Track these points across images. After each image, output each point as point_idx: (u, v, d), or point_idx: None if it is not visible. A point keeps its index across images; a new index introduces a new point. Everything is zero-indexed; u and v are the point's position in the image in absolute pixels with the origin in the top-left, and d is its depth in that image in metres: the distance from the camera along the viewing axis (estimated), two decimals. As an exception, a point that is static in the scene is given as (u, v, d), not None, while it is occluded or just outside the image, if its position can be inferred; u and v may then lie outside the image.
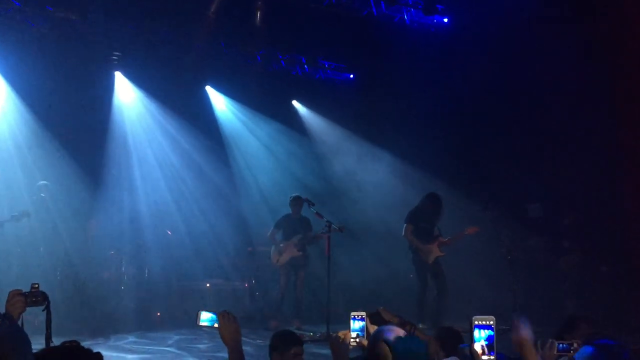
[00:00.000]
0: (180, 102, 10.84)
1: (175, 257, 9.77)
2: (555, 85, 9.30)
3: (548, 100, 9.48)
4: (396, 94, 10.96)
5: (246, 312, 9.37)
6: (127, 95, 10.62)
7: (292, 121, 11.91)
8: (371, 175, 11.20)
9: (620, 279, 8.52)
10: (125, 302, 8.89)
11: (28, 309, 2.79)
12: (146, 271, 9.40)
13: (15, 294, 2.64)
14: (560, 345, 2.95)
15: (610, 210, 8.98)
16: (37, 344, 2.49)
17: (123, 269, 9.20)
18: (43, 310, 2.82)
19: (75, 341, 2.47)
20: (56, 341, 2.72)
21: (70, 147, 9.46)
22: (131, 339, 7.64)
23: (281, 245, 8.70)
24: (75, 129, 9.54)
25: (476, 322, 2.52)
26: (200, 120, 11.15)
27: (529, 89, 9.63)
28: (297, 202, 8.68)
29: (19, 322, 2.62)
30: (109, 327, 8.01)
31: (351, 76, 11.75)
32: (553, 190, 9.57)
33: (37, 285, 2.80)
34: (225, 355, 6.66)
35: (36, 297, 2.77)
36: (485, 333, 2.49)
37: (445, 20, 10.12)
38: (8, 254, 7.64)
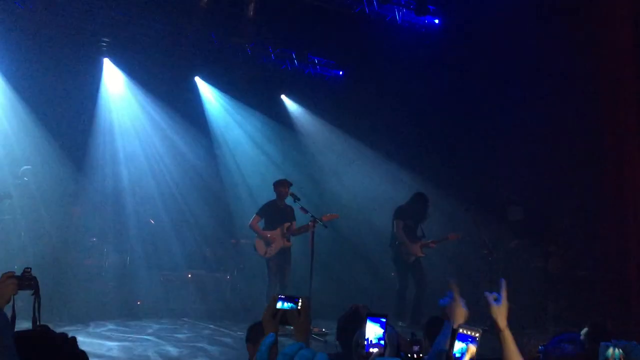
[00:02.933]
0: (168, 91, 10.80)
1: (158, 246, 9.76)
2: (540, 88, 9.41)
3: (533, 103, 9.58)
4: (384, 92, 11.01)
5: (228, 304, 9.43)
6: (114, 82, 10.55)
7: (280, 115, 11.92)
8: (356, 172, 11.27)
9: (600, 282, 8.68)
10: (106, 289, 8.88)
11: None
12: (128, 259, 9.39)
13: (8, 276, 2.67)
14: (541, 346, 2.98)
15: (591, 213, 9.12)
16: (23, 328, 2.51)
17: (104, 256, 9.19)
18: (32, 295, 2.86)
19: (45, 326, 2.50)
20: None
21: (56, 132, 9.38)
22: (110, 326, 7.65)
23: (268, 235, 8.13)
24: (62, 115, 9.46)
25: (461, 331, 2.45)
26: (188, 111, 11.12)
27: (515, 91, 9.72)
28: (284, 185, 8.18)
29: (10, 304, 2.66)
30: (89, 314, 8.01)
31: (340, 73, 11.78)
32: (535, 193, 9.69)
33: (29, 269, 2.84)
34: (204, 345, 6.71)
35: (29, 280, 2.81)
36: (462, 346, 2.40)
37: (437, 21, 10.18)
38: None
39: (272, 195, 8.47)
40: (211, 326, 8.08)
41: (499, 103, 9.69)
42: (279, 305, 2.32)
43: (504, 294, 2.60)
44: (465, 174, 10.21)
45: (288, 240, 8.16)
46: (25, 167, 8.44)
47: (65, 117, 9.52)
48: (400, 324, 8.16)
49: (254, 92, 11.44)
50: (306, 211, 7.76)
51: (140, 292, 9.16)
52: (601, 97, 8.84)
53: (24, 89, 9.27)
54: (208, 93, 11.55)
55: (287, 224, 8.15)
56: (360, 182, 11.09)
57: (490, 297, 2.60)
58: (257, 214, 8.35)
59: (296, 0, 9.46)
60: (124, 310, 8.63)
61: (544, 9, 9.17)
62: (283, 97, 12.04)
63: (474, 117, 10.14)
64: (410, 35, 10.21)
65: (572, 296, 8.78)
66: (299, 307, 2.30)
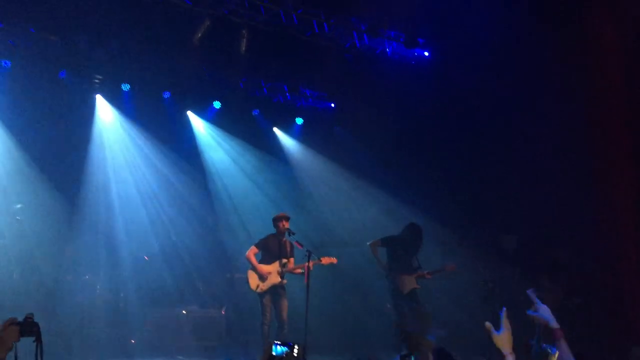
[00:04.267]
0: (161, 126, 10.84)
1: (152, 282, 9.67)
2: (534, 118, 9.52)
3: (525, 133, 9.67)
4: (376, 123, 11.11)
5: (223, 341, 9.31)
6: (107, 118, 10.56)
7: (273, 148, 11.97)
8: (350, 205, 11.28)
9: (596, 309, 8.66)
10: (99, 328, 8.76)
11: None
12: (121, 296, 9.29)
13: (10, 323, 2.67)
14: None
15: (586, 240, 9.15)
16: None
17: (97, 293, 9.09)
18: (34, 341, 2.84)
19: None
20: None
21: (48, 171, 9.37)
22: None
23: (264, 269, 7.94)
24: (55, 153, 9.46)
25: None
26: (181, 145, 11.15)
27: (506, 122, 9.83)
28: (282, 219, 7.99)
29: (13, 352, 2.65)
30: (84, 354, 7.88)
31: (332, 105, 11.88)
32: (529, 223, 9.73)
33: (31, 315, 2.83)
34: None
35: (31, 327, 2.81)
36: None
37: (426, 53, 10.32)
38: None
39: (266, 230, 8.41)
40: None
41: (490, 134, 9.79)
42: (274, 350, 2.30)
43: (504, 322, 2.66)
44: (460, 204, 10.24)
45: (282, 277, 7.95)
46: (18, 205, 8.39)
47: (58, 155, 9.50)
48: (397, 357, 8.06)
49: (246, 125, 11.49)
50: (302, 245, 7.71)
51: (133, 330, 9.04)
52: (598, 127, 8.95)
53: (16, 129, 9.28)
54: (200, 127, 11.59)
55: (284, 260, 7.99)
56: (355, 214, 11.09)
57: (490, 326, 2.66)
58: (255, 245, 8.20)
59: (287, 35, 9.57)
60: (118, 350, 8.49)
61: (535, 37, 9.33)
62: (275, 129, 12.09)
63: (466, 148, 10.23)
64: (401, 67, 10.34)
65: (570, 324, 8.74)
66: (294, 354, 2.28)
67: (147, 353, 8.48)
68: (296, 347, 2.33)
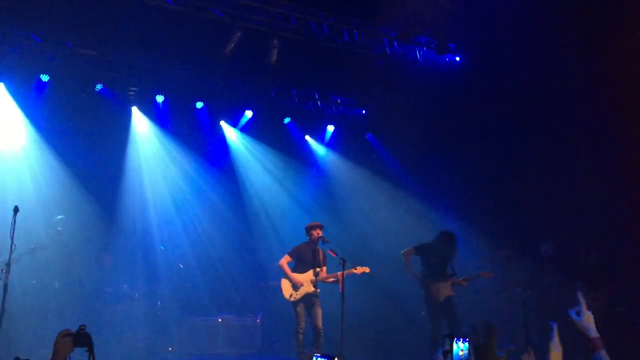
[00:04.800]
0: (194, 136, 11.02)
1: (188, 291, 9.81)
2: (567, 122, 9.36)
3: (559, 137, 9.52)
4: (407, 129, 11.07)
5: (258, 349, 9.38)
6: (142, 129, 10.77)
7: (305, 156, 12.02)
8: (385, 213, 11.25)
9: (638, 319, 8.43)
10: (138, 337, 8.92)
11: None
12: (158, 304, 9.44)
13: (64, 334, 2.77)
14: None
15: (625, 246, 8.94)
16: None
17: (135, 302, 9.26)
18: (86, 352, 2.93)
19: None
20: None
21: (88, 183, 9.62)
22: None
23: (297, 278, 7.98)
24: (92, 164, 9.70)
25: None
26: (214, 155, 11.31)
27: (543, 125, 9.69)
28: (316, 228, 8.04)
29: None
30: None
31: (363, 112, 11.89)
32: (566, 229, 9.56)
33: (84, 327, 2.93)
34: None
35: (84, 338, 2.91)
36: None
37: (458, 59, 10.24)
38: (24, 288, 7.69)
39: (299, 238, 8.43)
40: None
41: (525, 138, 9.66)
42: None
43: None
44: (496, 211, 10.13)
45: (315, 286, 7.95)
46: (59, 216, 8.60)
47: (96, 167, 9.76)
48: (434, 365, 7.99)
49: (278, 134, 11.58)
50: (335, 254, 7.71)
51: (170, 338, 9.18)
52: (630, 129, 8.75)
53: (55, 141, 9.54)
54: (233, 137, 11.71)
55: (317, 269, 7.98)
56: (390, 223, 11.04)
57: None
58: (288, 253, 8.23)
59: (318, 44, 9.62)
60: (156, 358, 8.64)
61: (568, 41, 9.17)
62: (307, 137, 12.14)
63: (500, 154, 10.11)
64: (432, 73, 10.28)
65: (611, 333, 8.52)
66: None
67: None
68: (337, 359, 2.34)
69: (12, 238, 6.19)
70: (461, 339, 2.97)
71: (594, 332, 2.63)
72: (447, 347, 2.85)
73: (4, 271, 6.22)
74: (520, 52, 9.22)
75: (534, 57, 9.23)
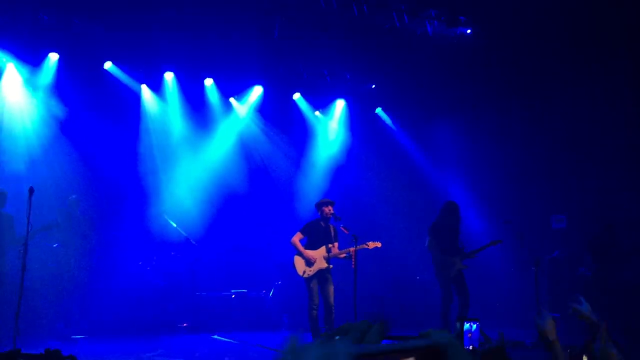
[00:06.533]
0: (203, 112, 11.05)
1: (201, 266, 9.93)
2: (579, 95, 9.30)
3: (570, 110, 9.46)
4: (416, 105, 11.03)
5: (270, 323, 9.53)
6: (152, 107, 10.76)
7: (314, 131, 12.02)
8: (393, 187, 11.28)
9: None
10: (152, 311, 9.09)
11: None
12: (172, 280, 9.57)
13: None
14: None
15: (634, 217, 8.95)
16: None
17: (149, 278, 9.41)
18: None
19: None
20: None
21: (97, 160, 9.68)
22: (160, 350, 7.79)
23: (309, 254, 7.93)
24: (103, 141, 9.77)
25: None
26: (224, 131, 11.33)
27: (551, 98, 9.63)
28: (327, 204, 7.98)
29: None
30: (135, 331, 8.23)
31: (373, 86, 11.82)
32: (577, 202, 9.57)
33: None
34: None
35: None
36: None
37: (468, 31, 10.12)
38: (41, 266, 7.82)
39: (310, 214, 8.50)
40: (257, 348, 8.12)
41: (537, 112, 9.61)
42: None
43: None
44: (506, 184, 10.13)
45: (328, 262, 7.92)
46: (73, 196, 8.68)
47: (108, 145, 9.80)
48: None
49: (288, 110, 11.60)
50: (347, 230, 7.72)
51: (184, 313, 9.35)
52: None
53: (67, 122, 9.58)
54: (242, 112, 11.61)
55: (330, 245, 7.97)
56: (399, 198, 11.07)
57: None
58: (299, 231, 8.18)
59: (326, 18, 9.51)
60: (170, 332, 8.83)
61: (579, 12, 9.04)
62: (317, 113, 12.07)
63: (513, 127, 10.07)
64: (442, 47, 10.17)
65: (620, 303, 8.59)
66: None
67: (197, 336, 8.77)
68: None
69: (28, 218, 6.25)
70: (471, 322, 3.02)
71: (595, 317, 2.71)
72: (458, 331, 2.91)
73: (21, 251, 6.30)
74: (532, 23, 9.10)
75: (545, 27, 9.11)
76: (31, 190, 6.26)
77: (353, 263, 7.63)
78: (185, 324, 9.26)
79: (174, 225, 9.71)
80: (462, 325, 2.88)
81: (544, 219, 9.92)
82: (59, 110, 9.49)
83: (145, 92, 10.62)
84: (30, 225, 6.32)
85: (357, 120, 11.82)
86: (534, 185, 9.97)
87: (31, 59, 9.38)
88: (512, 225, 8.45)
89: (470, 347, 2.81)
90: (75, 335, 8.13)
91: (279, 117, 11.65)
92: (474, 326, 2.77)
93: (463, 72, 10.28)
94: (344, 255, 7.92)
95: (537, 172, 9.97)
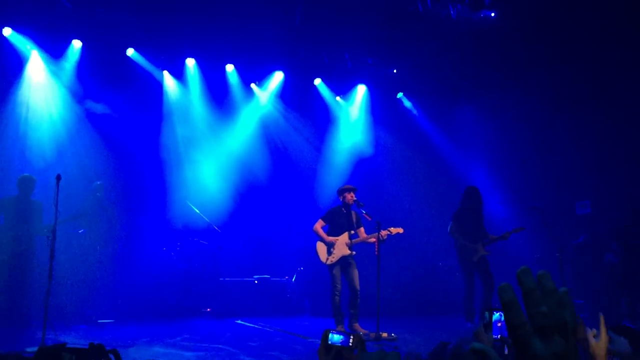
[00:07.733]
0: (225, 98, 11.08)
1: (225, 253, 10.01)
2: (606, 77, 9.11)
3: (600, 92, 9.28)
4: (438, 90, 10.90)
5: (293, 310, 9.59)
6: (174, 93, 10.81)
7: (335, 117, 11.97)
8: (415, 172, 11.22)
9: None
10: (176, 297, 9.20)
11: None
12: (196, 266, 9.68)
13: None
14: None
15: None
16: None
17: (173, 264, 9.51)
18: None
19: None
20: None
21: (123, 145, 9.76)
22: (185, 335, 7.89)
23: (332, 241, 7.87)
24: (127, 128, 9.83)
25: None
26: (245, 118, 11.33)
27: (579, 82, 9.45)
28: (349, 191, 7.91)
29: None
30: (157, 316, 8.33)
31: (395, 71, 11.71)
32: (602, 188, 9.43)
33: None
34: (276, 353, 6.86)
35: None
36: None
37: (493, 14, 9.95)
38: (69, 253, 7.95)
39: (331, 200, 8.51)
40: (281, 333, 8.19)
41: (562, 96, 9.45)
42: (331, 339, 2.32)
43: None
44: (532, 172, 10.02)
45: (350, 248, 7.84)
46: (97, 182, 8.77)
47: (129, 130, 9.87)
48: (469, 325, 8.09)
49: (307, 97, 11.55)
50: (370, 217, 7.70)
51: (208, 298, 9.45)
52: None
53: (93, 115, 9.69)
54: (264, 98, 11.64)
55: (352, 232, 7.92)
56: (421, 183, 11.02)
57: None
58: (321, 218, 8.14)
59: (348, 2, 9.41)
60: (194, 317, 8.92)
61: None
62: (338, 98, 12.04)
63: (537, 112, 9.92)
64: (466, 30, 10.02)
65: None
66: (350, 344, 2.29)
67: (221, 321, 8.86)
68: (352, 337, 2.36)
69: (56, 206, 6.32)
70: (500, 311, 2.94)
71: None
72: (487, 321, 2.82)
73: (50, 238, 6.39)
74: (557, 5, 8.91)
75: (570, 10, 8.92)
76: (58, 178, 6.32)
77: (376, 250, 7.61)
78: (209, 309, 9.37)
79: (197, 211, 9.79)
80: (491, 315, 2.83)
81: (569, 204, 9.80)
82: (81, 97, 9.58)
83: (167, 78, 10.67)
84: (58, 213, 6.40)
85: (379, 106, 11.75)
86: (559, 170, 9.84)
87: (55, 47, 9.46)
88: (537, 210, 8.36)
89: (499, 337, 2.75)
90: (102, 319, 8.27)
91: (300, 103, 11.62)
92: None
93: (487, 55, 10.13)
94: (373, 239, 7.82)
95: (561, 156, 9.83)
